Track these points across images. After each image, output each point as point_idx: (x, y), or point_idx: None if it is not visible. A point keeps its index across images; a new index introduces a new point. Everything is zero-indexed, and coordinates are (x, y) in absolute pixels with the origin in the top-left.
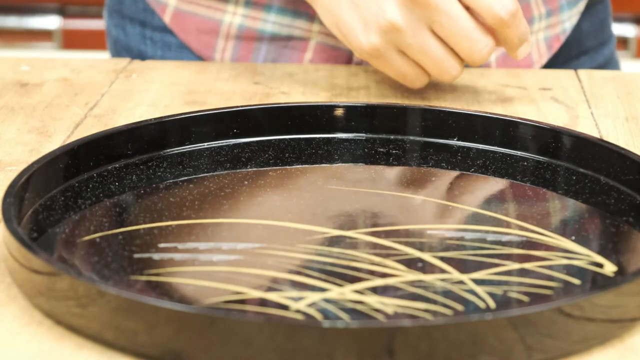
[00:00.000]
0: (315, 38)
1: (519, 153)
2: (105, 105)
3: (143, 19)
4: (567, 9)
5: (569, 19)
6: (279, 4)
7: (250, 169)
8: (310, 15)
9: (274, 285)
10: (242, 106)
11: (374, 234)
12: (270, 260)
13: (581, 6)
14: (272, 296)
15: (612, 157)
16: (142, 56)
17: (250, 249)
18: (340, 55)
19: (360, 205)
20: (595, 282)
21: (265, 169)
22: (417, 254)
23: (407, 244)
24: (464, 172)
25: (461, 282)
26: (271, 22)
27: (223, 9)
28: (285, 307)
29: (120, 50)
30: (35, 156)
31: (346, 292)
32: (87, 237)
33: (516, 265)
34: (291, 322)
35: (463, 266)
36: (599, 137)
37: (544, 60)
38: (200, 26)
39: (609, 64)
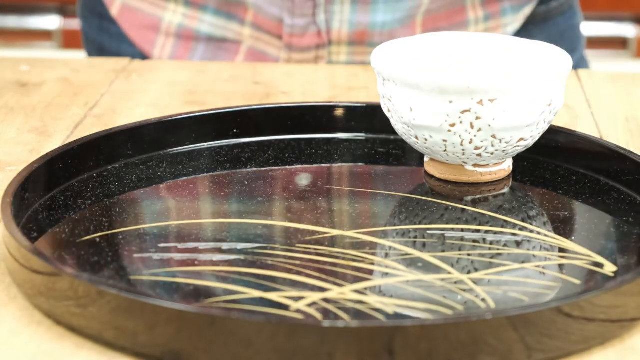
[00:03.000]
0: (246, 42)
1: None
2: (105, 105)
3: (100, 11)
4: (511, 13)
5: (511, 23)
6: (214, 6)
7: (250, 169)
8: (242, 19)
9: (274, 285)
10: (242, 106)
11: (373, 234)
12: (270, 260)
13: (527, 11)
14: (272, 296)
15: (612, 157)
16: (101, 48)
17: (250, 249)
18: (268, 60)
19: (360, 205)
20: (595, 282)
21: (265, 169)
22: (417, 254)
23: (407, 244)
24: None
25: (461, 282)
26: (207, 22)
27: (165, 7)
28: (285, 307)
29: (87, 43)
30: (35, 156)
31: (346, 292)
32: (87, 237)
33: (516, 265)
34: (291, 322)
35: (463, 266)
36: (599, 137)
37: None
38: (143, 21)
39: None
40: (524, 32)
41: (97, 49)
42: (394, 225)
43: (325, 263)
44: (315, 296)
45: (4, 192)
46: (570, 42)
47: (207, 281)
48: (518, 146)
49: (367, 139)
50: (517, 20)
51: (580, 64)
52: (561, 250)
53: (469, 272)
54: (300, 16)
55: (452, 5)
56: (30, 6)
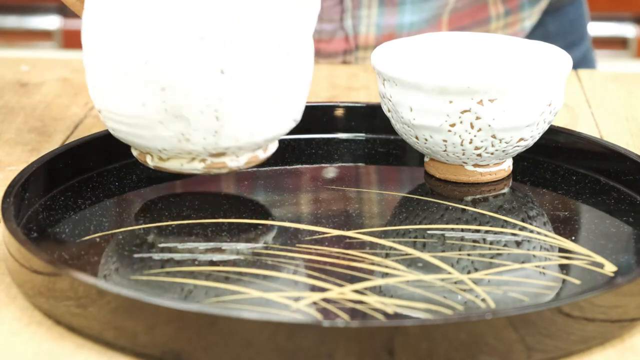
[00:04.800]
0: None
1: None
2: None
3: None
4: (528, 7)
5: (529, 17)
6: None
7: (250, 169)
8: None
9: (274, 285)
10: None
11: (373, 234)
12: (270, 260)
13: (543, 4)
14: (272, 296)
15: (612, 157)
16: None
17: (250, 249)
18: None
19: (360, 205)
20: (595, 282)
21: (265, 169)
22: (417, 254)
23: (407, 244)
24: None
25: (461, 282)
26: None
27: None
28: (285, 307)
29: None
30: (35, 156)
31: (346, 292)
32: (87, 237)
33: (516, 265)
34: (291, 322)
35: (463, 266)
36: (599, 137)
37: None
38: None
39: (580, 64)
40: (537, 22)
41: None
42: (394, 225)
43: (325, 263)
44: (315, 296)
45: (4, 192)
46: (579, 30)
47: (207, 281)
48: (518, 146)
49: (367, 139)
50: (534, 14)
51: (587, 54)
52: (561, 250)
53: (469, 272)
54: (327, 21)
55: (476, 2)
56: (30, 6)
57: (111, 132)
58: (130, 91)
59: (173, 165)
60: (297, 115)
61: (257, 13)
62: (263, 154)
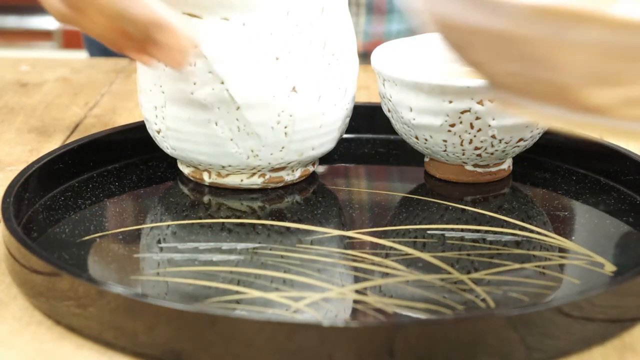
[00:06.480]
0: None
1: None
2: (105, 105)
3: None
4: None
5: None
6: None
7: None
8: None
9: (274, 285)
10: None
11: (374, 234)
12: (270, 260)
13: None
14: (272, 296)
15: (612, 157)
16: (107, 50)
17: (250, 249)
18: None
19: (360, 205)
20: (595, 282)
21: None
22: (417, 254)
23: (407, 244)
24: None
25: (461, 282)
26: None
27: None
28: (285, 307)
29: (89, 44)
30: (35, 156)
31: (346, 292)
32: (87, 237)
33: (516, 265)
34: (291, 322)
35: (463, 266)
36: (599, 137)
37: None
38: None
39: None
40: None
41: (103, 51)
42: (394, 225)
43: (325, 263)
44: (315, 296)
45: (4, 192)
46: None
47: (208, 281)
48: (518, 146)
49: (367, 139)
50: None
51: None
52: (561, 250)
53: (469, 272)
54: None
55: None
56: (30, 6)
57: (167, 150)
58: (202, 111)
59: (232, 181)
60: (344, 129)
61: (324, 33)
62: (312, 168)
